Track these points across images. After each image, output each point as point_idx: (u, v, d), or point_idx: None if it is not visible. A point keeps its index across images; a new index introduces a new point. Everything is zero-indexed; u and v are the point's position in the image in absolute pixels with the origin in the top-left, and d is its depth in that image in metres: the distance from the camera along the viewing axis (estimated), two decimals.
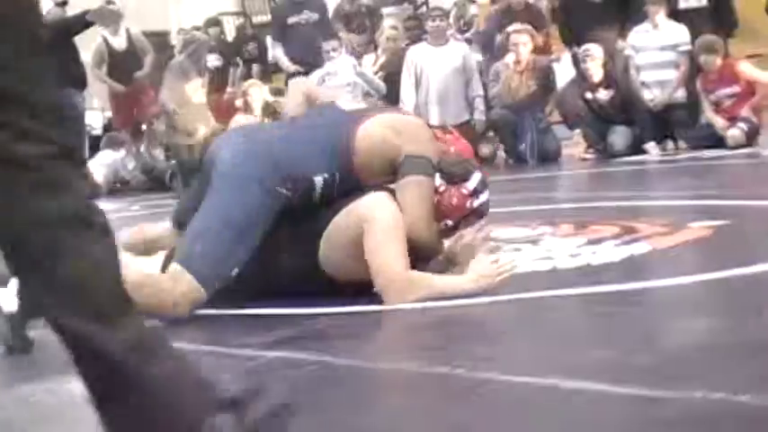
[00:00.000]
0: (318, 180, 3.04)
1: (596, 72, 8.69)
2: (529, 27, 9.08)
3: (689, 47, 8.76)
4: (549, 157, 8.78)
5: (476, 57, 9.38)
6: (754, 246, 3.66)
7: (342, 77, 8.87)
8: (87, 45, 10.35)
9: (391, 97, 8.82)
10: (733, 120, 8.32)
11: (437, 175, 3.07)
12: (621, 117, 8.67)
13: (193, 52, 8.50)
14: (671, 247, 3.53)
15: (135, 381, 1.49)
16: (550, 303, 2.81)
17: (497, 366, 2.08)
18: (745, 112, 8.33)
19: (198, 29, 12.24)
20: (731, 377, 1.87)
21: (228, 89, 11.14)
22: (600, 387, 1.88)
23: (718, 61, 8.41)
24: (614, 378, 1.92)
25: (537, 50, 9.17)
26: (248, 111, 8.54)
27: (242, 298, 3.00)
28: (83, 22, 10.09)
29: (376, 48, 10.13)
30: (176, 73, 8.39)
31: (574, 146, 8.99)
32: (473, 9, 11.22)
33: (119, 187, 9.76)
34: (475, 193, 3.09)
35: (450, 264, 3.08)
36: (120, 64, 10.39)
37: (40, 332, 2.54)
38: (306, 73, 9.26)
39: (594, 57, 8.68)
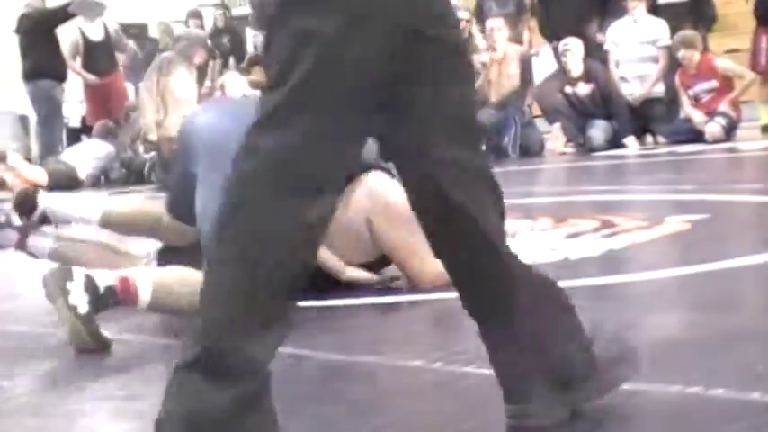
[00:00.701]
0: None
1: (575, 66, 8.71)
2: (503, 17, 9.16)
3: (668, 42, 8.79)
4: (531, 152, 8.79)
5: None
6: (731, 240, 3.68)
7: None
8: (64, 37, 10.30)
9: None
10: (711, 114, 8.36)
11: None
12: (600, 111, 8.70)
13: (185, 48, 8.46)
14: (649, 242, 3.54)
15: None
16: None
17: (473, 360, 2.08)
18: (723, 106, 8.37)
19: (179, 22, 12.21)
20: (707, 371, 1.87)
21: (207, 83, 11.10)
22: None
23: (697, 56, 8.44)
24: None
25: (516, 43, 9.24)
26: None
27: None
28: (64, 14, 10.05)
29: None
30: (160, 67, 8.35)
31: (553, 140, 9.01)
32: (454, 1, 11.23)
33: (100, 180, 9.71)
34: None
35: None
36: (96, 56, 10.32)
37: None
38: None
39: (574, 51, 8.70)
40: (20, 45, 9.98)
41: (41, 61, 9.81)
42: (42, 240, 3.31)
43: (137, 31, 12.60)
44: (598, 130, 8.63)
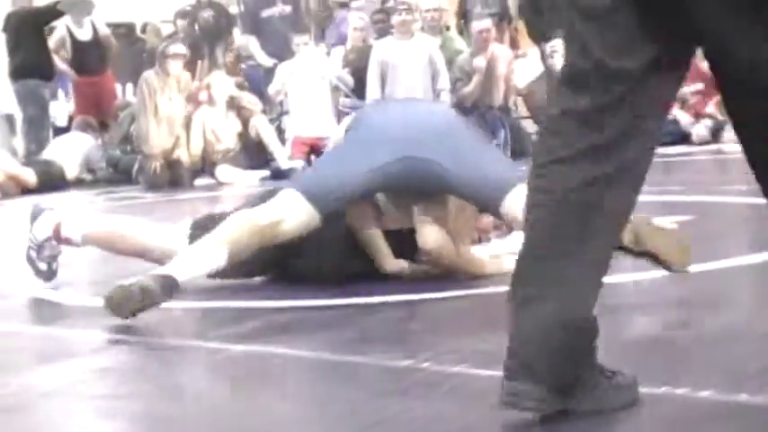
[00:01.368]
0: None
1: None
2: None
3: None
4: (525, 153, 8.80)
5: None
6: (717, 241, 3.69)
7: (310, 71, 8.85)
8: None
9: (359, 91, 8.82)
10: (698, 116, 8.39)
11: None
12: None
13: (162, 62, 8.49)
14: None
15: None
16: None
17: (462, 360, 2.08)
18: (709, 108, 8.40)
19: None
20: (694, 372, 1.88)
21: (195, 83, 11.07)
22: None
23: None
24: None
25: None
26: (212, 104, 8.50)
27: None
28: (53, 12, 10.01)
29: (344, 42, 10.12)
30: (147, 85, 8.41)
31: None
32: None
33: (85, 179, 9.67)
34: None
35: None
36: (85, 55, 10.28)
37: None
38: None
39: (561, 53, 8.72)
40: (7, 43, 9.94)
41: (29, 60, 9.76)
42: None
43: (125, 31, 12.53)
44: None
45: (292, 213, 2.87)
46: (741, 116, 1.65)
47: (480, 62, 8.71)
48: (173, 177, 8.40)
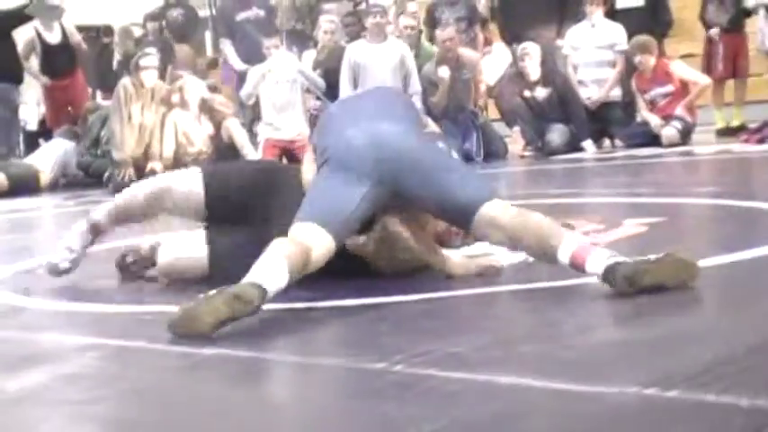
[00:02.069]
0: None
1: (533, 70, 8.77)
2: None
3: (625, 46, 8.88)
4: (497, 155, 8.83)
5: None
6: (687, 242, 3.72)
7: (282, 74, 8.84)
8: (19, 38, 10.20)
9: (331, 94, 8.82)
10: (667, 118, 8.46)
11: None
12: (559, 115, 8.76)
13: (135, 73, 8.47)
14: (607, 244, 3.57)
15: None
16: (488, 299, 2.84)
17: (436, 362, 2.09)
18: (679, 110, 8.47)
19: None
20: (663, 372, 1.89)
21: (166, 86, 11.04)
22: (536, 382, 1.90)
23: (652, 61, 8.53)
24: (550, 373, 1.94)
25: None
26: (184, 107, 8.48)
27: None
28: (21, 17, 9.95)
29: (316, 44, 10.13)
30: (121, 97, 8.40)
31: (512, 143, 9.06)
32: (413, 6, 11.26)
33: (59, 182, 9.62)
34: None
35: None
36: (54, 58, 10.23)
37: None
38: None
39: (532, 55, 8.76)
40: None
41: None
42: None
43: (94, 34, 12.48)
44: (556, 134, 8.69)
45: (317, 241, 2.80)
46: None
47: (444, 72, 8.73)
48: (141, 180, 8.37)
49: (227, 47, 10.12)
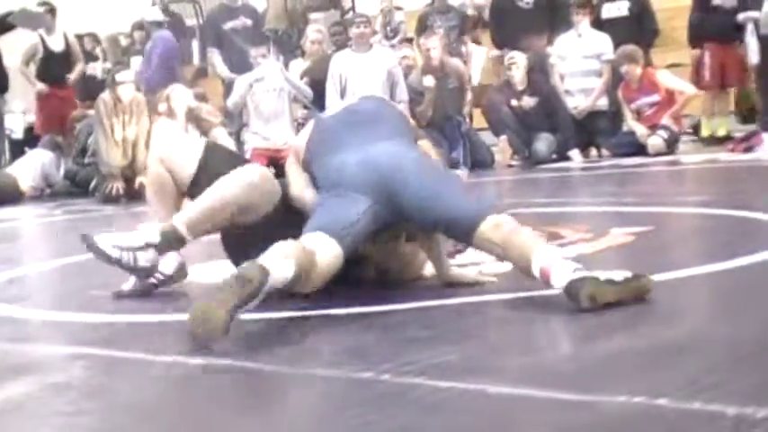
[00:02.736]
0: None
1: (520, 80, 8.80)
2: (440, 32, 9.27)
3: (611, 56, 8.91)
4: (484, 164, 8.84)
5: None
6: (674, 251, 3.74)
7: (270, 83, 8.84)
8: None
9: (318, 103, 8.82)
10: (654, 127, 8.49)
11: None
12: (545, 124, 8.79)
13: (113, 89, 8.46)
14: (593, 253, 3.58)
15: None
16: (476, 308, 2.84)
17: (423, 371, 2.09)
18: (665, 120, 8.50)
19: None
20: (651, 381, 1.90)
21: None
22: (525, 392, 1.90)
23: (639, 71, 8.57)
24: (539, 382, 1.94)
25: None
26: (171, 116, 8.46)
27: None
28: (4, 25, 9.92)
29: (303, 53, 10.13)
30: (104, 111, 8.38)
31: (500, 152, 9.08)
32: (400, 15, 11.29)
33: (44, 192, 9.59)
34: None
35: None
36: (55, 66, 10.25)
37: None
38: None
39: (519, 64, 8.79)
40: None
41: None
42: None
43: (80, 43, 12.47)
44: (543, 143, 8.72)
45: (322, 245, 2.82)
46: None
47: (429, 81, 8.75)
48: (131, 191, 8.36)
49: (216, 56, 10.11)
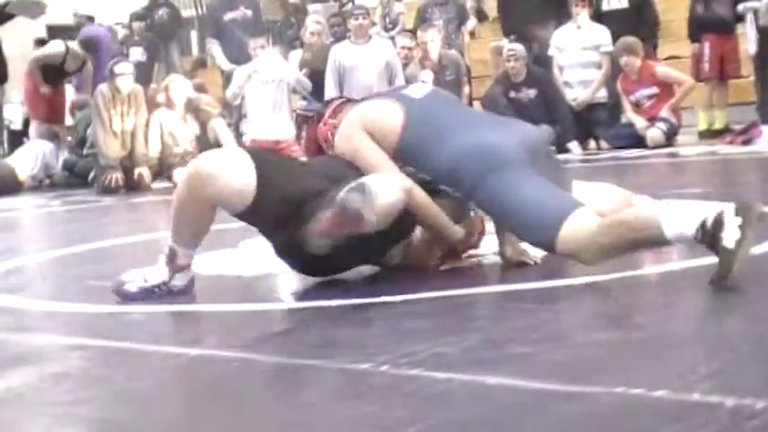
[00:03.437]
0: None
1: (519, 71, 8.79)
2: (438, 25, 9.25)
3: (610, 48, 8.91)
4: None
5: None
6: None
7: (268, 74, 8.83)
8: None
9: (317, 94, 8.82)
10: (653, 120, 8.49)
11: None
12: (544, 116, 8.78)
13: (112, 81, 8.44)
14: None
15: None
16: (475, 300, 2.84)
17: (421, 363, 2.09)
18: (664, 112, 8.50)
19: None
20: (649, 373, 1.90)
21: (152, 85, 11.03)
22: (523, 383, 1.90)
23: (638, 63, 8.56)
24: (537, 374, 1.95)
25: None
26: (170, 106, 8.46)
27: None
28: (1, 15, 9.91)
29: (302, 45, 10.12)
30: (101, 103, 8.38)
31: None
32: (399, 7, 11.28)
33: (43, 182, 9.59)
34: None
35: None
36: (54, 69, 10.21)
37: None
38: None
39: (518, 56, 8.78)
40: None
41: None
42: None
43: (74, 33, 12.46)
44: None
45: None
46: None
47: (427, 75, 8.75)
48: (130, 182, 8.37)
49: (215, 47, 10.10)
